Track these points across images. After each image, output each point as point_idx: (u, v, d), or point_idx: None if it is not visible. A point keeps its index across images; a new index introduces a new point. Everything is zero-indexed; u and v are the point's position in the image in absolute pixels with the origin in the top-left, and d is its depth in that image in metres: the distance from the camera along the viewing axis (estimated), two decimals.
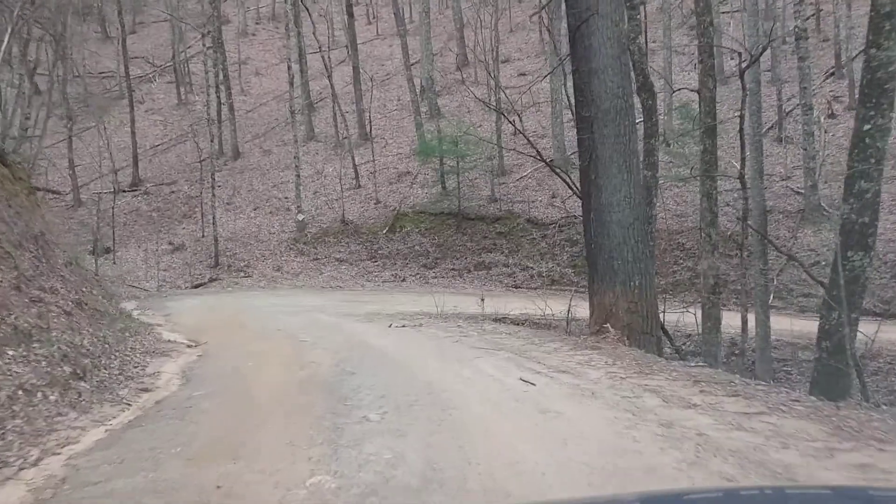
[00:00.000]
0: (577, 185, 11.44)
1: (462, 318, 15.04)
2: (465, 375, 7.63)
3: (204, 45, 39.13)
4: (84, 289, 12.06)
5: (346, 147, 33.29)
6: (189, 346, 12.09)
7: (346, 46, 40.32)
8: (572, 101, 10.83)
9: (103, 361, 9.12)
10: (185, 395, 7.98)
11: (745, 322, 15.73)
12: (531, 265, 27.11)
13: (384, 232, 29.22)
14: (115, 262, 30.58)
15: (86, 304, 10.98)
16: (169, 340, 12.77)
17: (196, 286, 27.90)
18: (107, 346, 9.92)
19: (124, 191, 35.96)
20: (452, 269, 27.87)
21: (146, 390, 8.41)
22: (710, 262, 13.54)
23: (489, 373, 7.69)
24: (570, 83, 11.17)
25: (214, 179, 31.78)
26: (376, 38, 45.52)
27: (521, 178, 30.28)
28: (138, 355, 10.50)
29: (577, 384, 7.00)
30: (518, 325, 19.56)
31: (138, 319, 15.20)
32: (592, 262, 10.47)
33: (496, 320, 19.23)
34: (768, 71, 31.74)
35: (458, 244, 28.45)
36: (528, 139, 18.26)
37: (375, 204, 30.61)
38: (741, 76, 16.13)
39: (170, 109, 42.84)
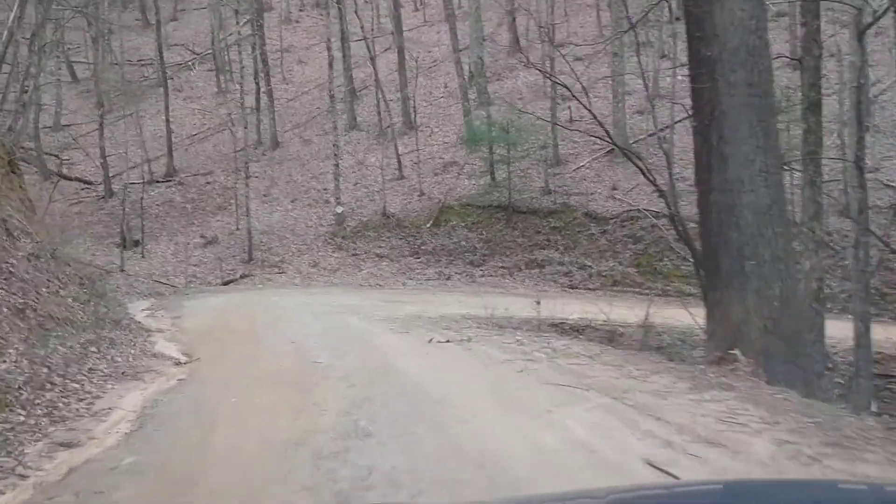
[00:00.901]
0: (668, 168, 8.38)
1: (520, 329, 12.05)
2: (548, 446, 4.69)
3: (239, 33, 36.58)
4: (46, 289, 9.29)
5: (389, 136, 30.43)
6: (176, 364, 9.30)
7: (392, 33, 37.59)
8: (677, 53, 7.84)
9: (25, 395, 6.27)
10: (115, 461, 5.10)
11: (859, 334, 12.63)
12: (589, 263, 23.98)
13: (428, 226, 26.30)
14: (143, 257, 28.12)
15: (35, 310, 8.19)
16: (157, 354, 10.01)
17: (226, 283, 25.28)
18: (46, 369, 7.10)
19: (158, 181, 33.57)
20: (502, 266, 24.86)
21: (67, 446, 5.58)
22: (813, 263, 10.39)
23: (586, 441, 4.73)
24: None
25: (248, 168, 29.15)
26: (423, 25, 42.60)
27: (578, 168, 27.14)
28: (96, 380, 7.70)
29: (747, 473, 3.96)
30: (578, 330, 16.61)
31: (135, 324, 12.46)
32: (712, 262, 7.44)
33: (553, 325, 16.48)
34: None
35: (509, 240, 25.42)
36: (597, 120, 15.13)
37: (419, 196, 27.72)
38: (860, 37, 12.93)
39: (209, 98, 40.42)
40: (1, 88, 15.82)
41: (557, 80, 16.70)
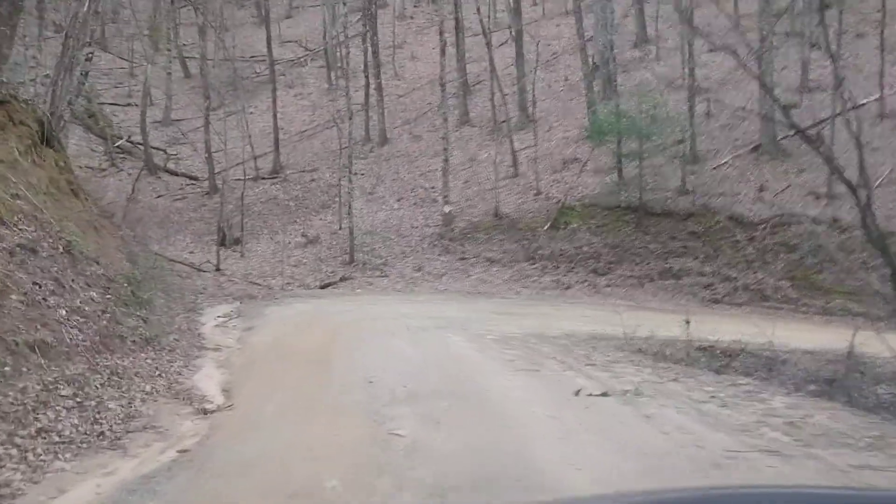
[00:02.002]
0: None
1: (701, 367, 8.56)
2: None
3: (346, 30, 34.00)
4: (23, 296, 6.30)
5: (504, 131, 27.11)
6: (199, 414, 6.18)
7: (509, 27, 34.39)
8: None
9: None
10: None
11: None
12: (734, 275, 20.02)
13: (545, 228, 22.82)
14: (242, 255, 25.69)
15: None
16: (185, 393, 6.98)
17: (325, 286, 22.50)
18: None
19: (263, 177, 31.30)
20: (631, 276, 21.16)
21: None
22: None
23: None
24: None
25: (351, 163, 26.32)
26: (542, 19, 39.09)
27: (719, 165, 23.09)
28: (40, 451, 4.55)
29: None
30: (730, 355, 13.05)
31: (185, 342, 9.52)
32: None
33: (701, 349, 13.21)
34: None
35: (639, 245, 21.67)
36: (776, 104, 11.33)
37: (535, 195, 24.28)
38: None
39: (319, 94, 38.06)
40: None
41: (739, 60, 13.02)
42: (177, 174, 33.46)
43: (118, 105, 38.58)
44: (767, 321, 13.66)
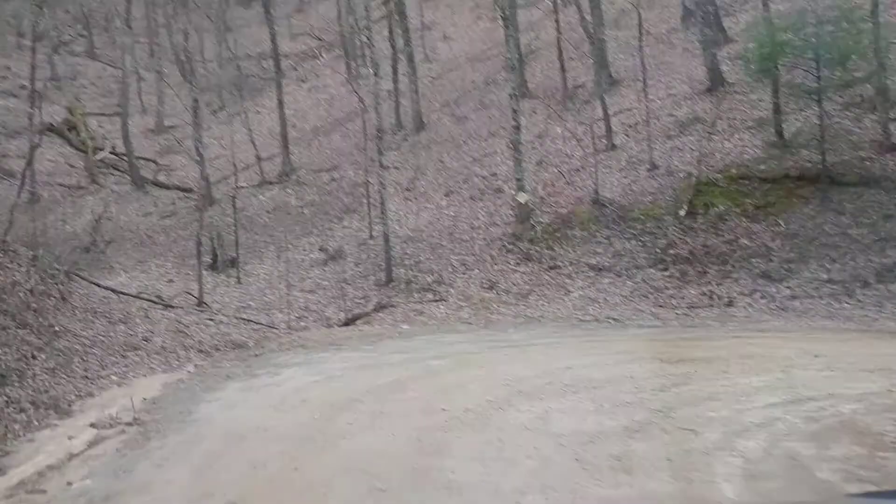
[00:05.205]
0: None
1: None
2: None
3: (367, 16, 25.57)
4: None
5: (582, 97, 18.61)
6: None
7: None
8: None
9: None
10: None
11: None
12: None
13: (676, 215, 14.22)
14: (239, 281, 17.32)
15: None
16: None
17: (351, 320, 14.11)
18: None
19: (270, 182, 23.01)
20: (826, 280, 12.55)
21: None
22: None
23: None
24: None
25: (382, 154, 17.90)
26: None
27: None
28: None
29: None
30: None
31: None
32: None
33: None
34: None
35: (832, 232, 13.09)
36: None
37: (649, 170, 15.76)
38: None
39: (337, 86, 29.75)
40: None
41: None
42: (168, 187, 25.33)
43: (105, 115, 30.53)
44: None
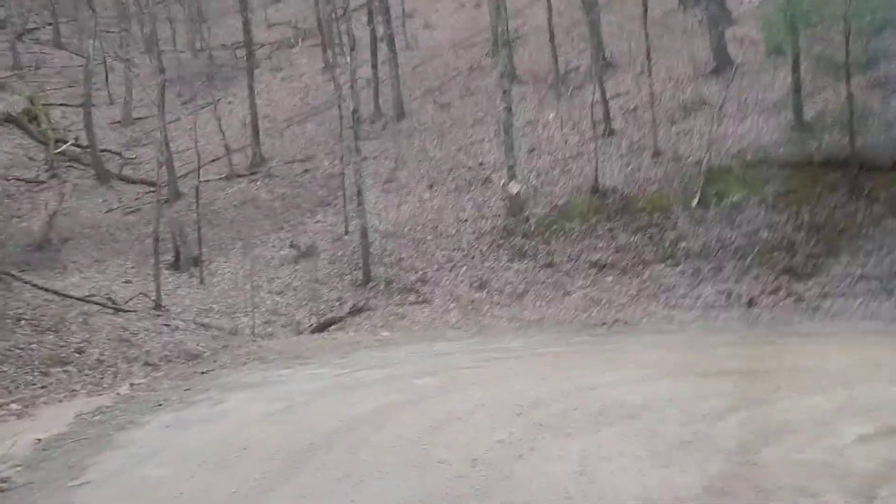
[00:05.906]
0: None
1: None
2: None
3: (345, 3, 23.78)
4: None
5: (575, 81, 17.00)
6: None
7: None
8: None
9: None
10: None
11: None
12: None
13: (686, 206, 12.59)
14: (202, 282, 15.50)
15: None
16: None
17: (324, 325, 12.38)
18: None
19: (240, 175, 21.20)
20: (859, 276, 10.96)
21: None
22: None
23: None
24: None
25: (359, 140, 16.17)
26: None
27: None
28: None
29: None
30: None
31: None
32: None
33: None
34: None
35: (860, 222, 11.55)
36: None
37: (653, 156, 14.10)
38: None
39: (313, 75, 27.91)
40: None
41: None
42: (133, 181, 23.38)
43: (70, 106, 28.50)
44: None
